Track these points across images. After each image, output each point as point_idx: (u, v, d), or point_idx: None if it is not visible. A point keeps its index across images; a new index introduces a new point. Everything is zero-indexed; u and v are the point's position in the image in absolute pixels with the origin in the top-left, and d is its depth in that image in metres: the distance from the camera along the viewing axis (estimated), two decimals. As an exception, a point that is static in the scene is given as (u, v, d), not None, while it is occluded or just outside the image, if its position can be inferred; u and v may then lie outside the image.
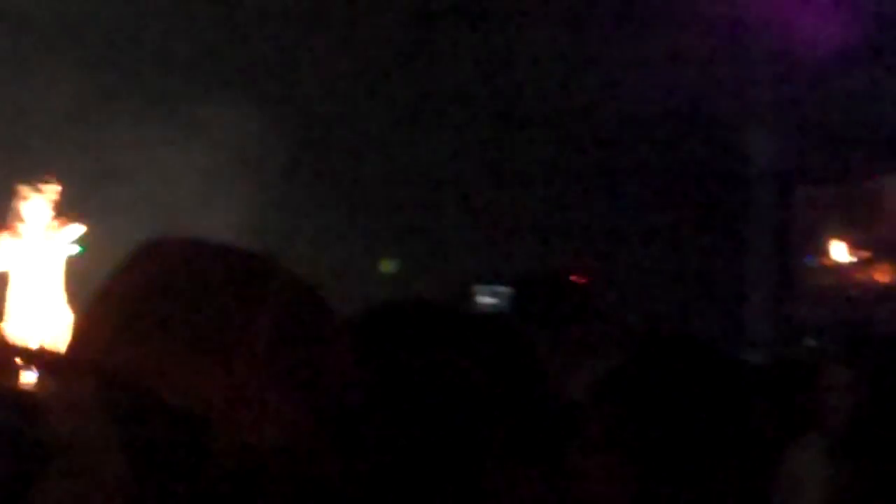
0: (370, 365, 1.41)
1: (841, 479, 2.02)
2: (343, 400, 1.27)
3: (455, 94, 14.42)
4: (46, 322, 12.95)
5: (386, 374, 1.50)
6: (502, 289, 9.10)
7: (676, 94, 14.46)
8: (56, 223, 13.53)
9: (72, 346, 1.32)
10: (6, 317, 13.29)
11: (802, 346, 12.87)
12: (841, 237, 15.99)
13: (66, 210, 13.47)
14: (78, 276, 12.72)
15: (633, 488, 2.19)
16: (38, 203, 13.43)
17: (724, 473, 2.21)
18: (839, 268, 16.03)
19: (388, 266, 12.18)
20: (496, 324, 1.65)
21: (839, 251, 16.01)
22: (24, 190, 13.41)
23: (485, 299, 10.20)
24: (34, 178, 13.36)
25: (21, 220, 13.46)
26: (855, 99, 14.72)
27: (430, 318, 1.59)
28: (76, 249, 13.50)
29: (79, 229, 13.52)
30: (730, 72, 14.92)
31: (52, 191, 13.46)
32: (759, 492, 2.29)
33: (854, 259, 15.92)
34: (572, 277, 5.24)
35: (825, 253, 16.11)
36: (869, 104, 14.68)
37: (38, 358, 1.38)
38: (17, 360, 1.35)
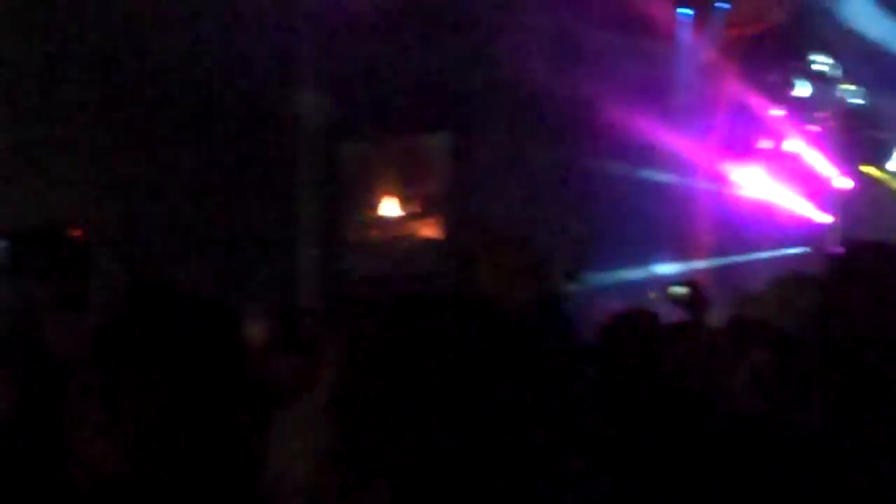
0: None
1: (327, 443, 1.96)
2: None
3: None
4: None
5: None
6: None
7: (225, 49, 14.25)
8: None
9: None
10: None
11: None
12: (388, 192, 16.25)
13: None
14: None
15: (126, 444, 2.16)
16: None
17: (218, 431, 2.18)
18: (386, 222, 16.29)
19: None
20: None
21: (387, 206, 16.27)
22: None
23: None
24: None
25: None
26: (401, 56, 14.93)
27: None
28: None
29: None
30: (277, 28, 14.82)
31: None
32: (249, 448, 2.23)
33: (401, 213, 16.22)
34: (71, 231, 4.94)
35: (373, 207, 16.34)
36: (415, 61, 14.92)
37: None
38: None
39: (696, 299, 6.83)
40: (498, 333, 1.80)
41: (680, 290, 6.92)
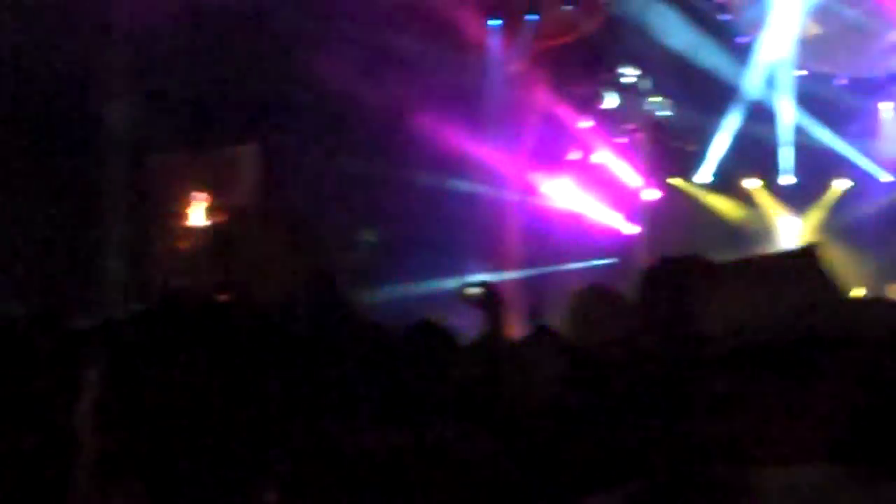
0: None
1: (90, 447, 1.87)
2: None
3: None
4: None
5: None
6: None
7: (28, 58, 13.93)
8: None
9: None
10: None
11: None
12: (196, 202, 16.04)
13: None
14: None
15: None
16: None
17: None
18: (194, 232, 16.07)
19: None
20: None
21: (194, 216, 16.06)
22: None
23: None
24: None
25: None
26: (208, 66, 14.75)
27: None
28: None
29: None
30: (84, 37, 14.48)
31: None
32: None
33: (209, 223, 16.02)
34: None
35: (180, 218, 16.11)
36: (222, 71, 14.74)
37: None
38: None
39: (490, 299, 6.76)
40: (268, 340, 1.83)
41: (474, 290, 6.86)
